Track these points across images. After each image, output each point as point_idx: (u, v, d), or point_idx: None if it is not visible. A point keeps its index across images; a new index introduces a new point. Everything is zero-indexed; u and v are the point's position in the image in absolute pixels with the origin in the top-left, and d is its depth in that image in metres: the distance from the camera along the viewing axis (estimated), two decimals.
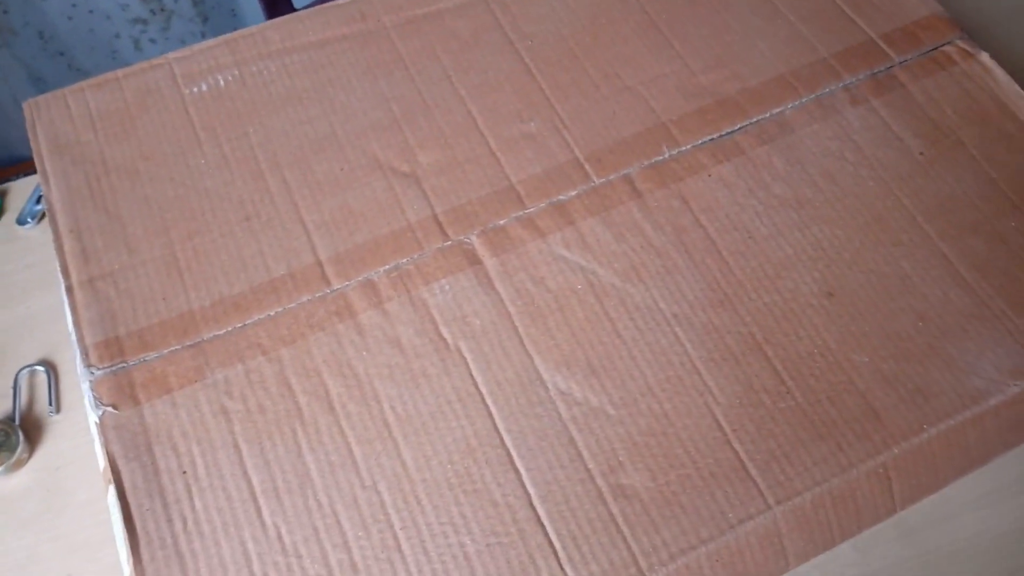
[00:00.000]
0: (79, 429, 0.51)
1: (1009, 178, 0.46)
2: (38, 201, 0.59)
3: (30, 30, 1.13)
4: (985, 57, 0.51)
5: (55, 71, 1.19)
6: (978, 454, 0.41)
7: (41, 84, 1.19)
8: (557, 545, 0.37)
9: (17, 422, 0.50)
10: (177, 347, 0.41)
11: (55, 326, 0.54)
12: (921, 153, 0.47)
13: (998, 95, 0.49)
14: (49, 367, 0.53)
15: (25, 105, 0.48)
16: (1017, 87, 0.50)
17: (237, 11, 1.24)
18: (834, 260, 0.43)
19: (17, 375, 0.52)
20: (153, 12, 1.17)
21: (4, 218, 0.59)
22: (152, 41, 1.21)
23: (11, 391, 0.52)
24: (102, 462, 0.38)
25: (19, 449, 0.49)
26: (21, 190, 0.61)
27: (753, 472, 0.38)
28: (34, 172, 0.50)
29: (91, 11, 1.13)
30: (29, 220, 0.59)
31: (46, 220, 0.59)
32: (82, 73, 1.20)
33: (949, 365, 0.41)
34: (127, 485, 0.37)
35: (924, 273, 0.43)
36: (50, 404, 0.51)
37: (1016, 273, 0.43)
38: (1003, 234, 0.44)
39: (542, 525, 0.37)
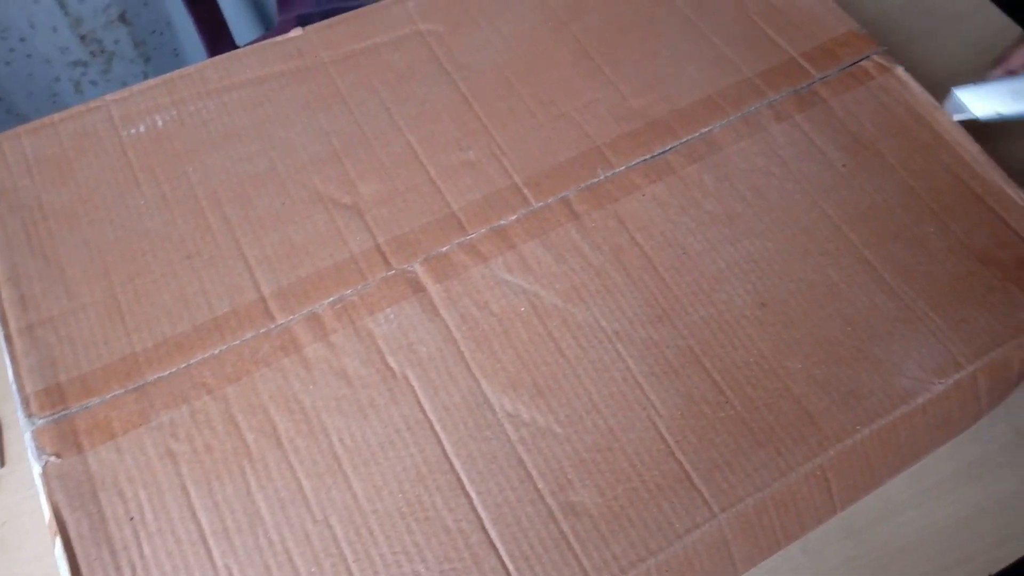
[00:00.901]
0: (25, 482, 0.49)
1: (926, 186, 0.49)
2: None
3: None
4: (900, 71, 0.53)
5: None
6: (910, 452, 0.42)
7: None
8: (510, 567, 0.37)
9: None
10: (120, 391, 0.40)
11: None
12: (843, 165, 0.49)
13: (914, 107, 0.52)
14: None
15: None
16: (931, 98, 0.52)
17: (179, 51, 1.24)
18: (765, 272, 0.45)
19: None
20: (93, 54, 1.16)
21: None
22: (93, 83, 1.20)
23: None
24: (47, 513, 0.38)
25: None
26: None
27: (697, 482, 0.39)
28: None
29: (29, 55, 1.12)
30: None
31: None
32: (21, 118, 1.19)
33: (877, 367, 0.42)
34: (73, 535, 0.37)
35: (850, 280, 0.45)
36: None
37: (936, 276, 0.45)
38: (922, 239, 0.47)
39: (495, 548, 0.37)
